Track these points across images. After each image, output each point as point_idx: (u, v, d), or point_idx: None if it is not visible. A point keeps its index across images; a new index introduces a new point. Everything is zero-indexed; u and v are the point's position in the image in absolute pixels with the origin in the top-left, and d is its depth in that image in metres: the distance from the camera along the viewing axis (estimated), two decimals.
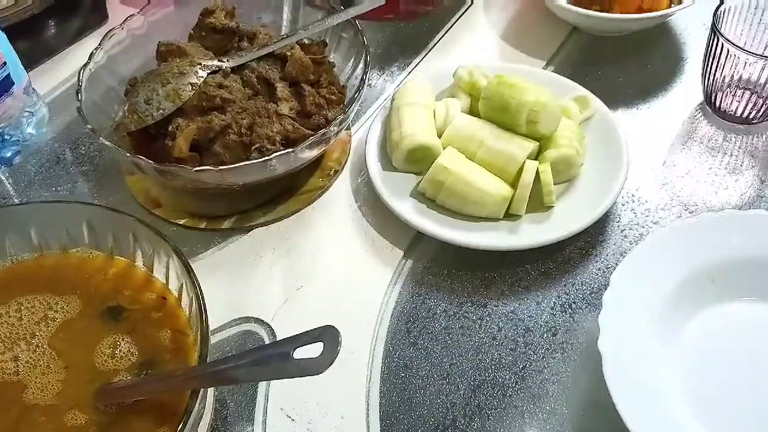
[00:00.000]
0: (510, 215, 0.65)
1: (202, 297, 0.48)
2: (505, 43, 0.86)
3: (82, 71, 0.66)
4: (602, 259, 0.64)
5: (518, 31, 0.87)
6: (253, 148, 0.63)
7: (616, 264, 0.59)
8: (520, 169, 0.64)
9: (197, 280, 0.49)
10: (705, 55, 0.73)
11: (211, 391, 0.53)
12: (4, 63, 0.69)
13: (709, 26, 0.70)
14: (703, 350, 0.57)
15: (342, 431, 0.54)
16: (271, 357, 0.38)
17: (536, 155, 0.67)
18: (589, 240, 0.66)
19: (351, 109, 0.65)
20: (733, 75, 0.71)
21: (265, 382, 0.57)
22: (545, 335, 0.60)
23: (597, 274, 0.63)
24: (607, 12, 0.80)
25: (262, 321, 0.61)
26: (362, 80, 0.67)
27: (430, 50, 0.85)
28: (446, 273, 0.64)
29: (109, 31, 0.70)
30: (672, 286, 0.58)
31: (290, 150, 0.61)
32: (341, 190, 0.71)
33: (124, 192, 0.71)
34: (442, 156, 0.65)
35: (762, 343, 0.57)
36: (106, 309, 0.52)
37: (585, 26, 0.85)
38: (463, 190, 0.64)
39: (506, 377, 0.57)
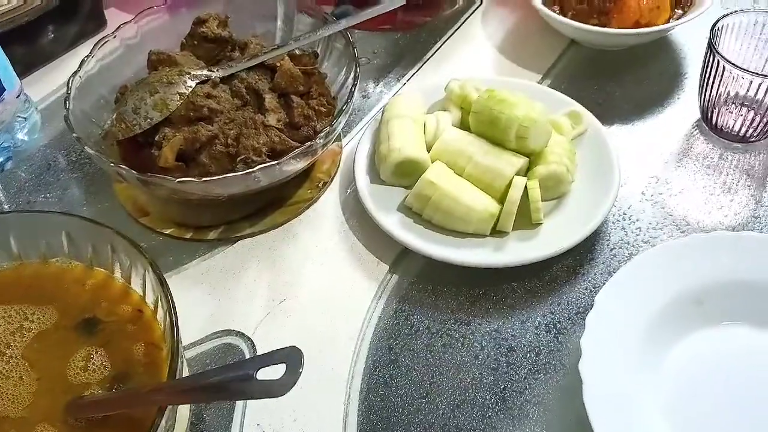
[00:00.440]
0: (497, 232, 0.64)
1: (175, 312, 0.47)
2: (501, 56, 0.85)
3: (71, 79, 0.66)
4: (590, 279, 0.63)
5: (515, 44, 0.86)
6: (238, 159, 0.63)
7: (604, 283, 0.58)
8: (509, 185, 0.63)
9: (171, 294, 0.48)
10: (702, 72, 0.71)
11: (187, 405, 0.53)
12: None
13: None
14: (688, 375, 0.55)
15: None
16: (234, 379, 0.37)
17: (526, 171, 0.66)
18: (578, 258, 0.65)
19: (338, 121, 0.64)
20: (729, 92, 0.70)
21: None
22: (528, 355, 0.59)
23: (584, 294, 0.62)
24: (605, 26, 0.79)
25: (243, 334, 0.60)
26: (351, 92, 0.66)
27: (426, 62, 0.84)
28: (431, 289, 0.63)
29: (100, 40, 0.70)
30: (658, 308, 0.57)
31: (275, 162, 0.60)
32: (330, 202, 0.70)
33: (112, 200, 0.70)
34: (429, 170, 0.64)
35: (747, 368, 0.56)
36: (82, 321, 0.51)
37: (583, 40, 0.84)
38: (449, 205, 0.63)
39: (487, 398, 0.56)
